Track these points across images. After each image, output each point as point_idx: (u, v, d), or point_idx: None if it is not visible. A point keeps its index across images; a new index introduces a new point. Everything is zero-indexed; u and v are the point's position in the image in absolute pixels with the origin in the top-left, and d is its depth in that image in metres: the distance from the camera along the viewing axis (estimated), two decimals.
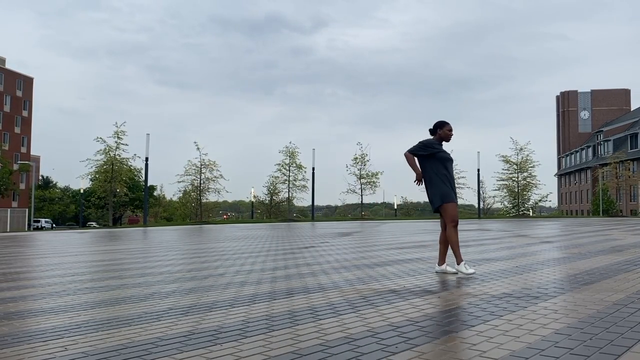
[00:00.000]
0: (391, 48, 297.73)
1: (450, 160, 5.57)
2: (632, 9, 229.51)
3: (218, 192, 36.79)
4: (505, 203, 40.69)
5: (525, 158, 39.10)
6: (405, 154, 5.54)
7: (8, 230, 42.17)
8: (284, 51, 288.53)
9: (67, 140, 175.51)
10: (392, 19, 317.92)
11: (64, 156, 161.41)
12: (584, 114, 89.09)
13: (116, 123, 35.43)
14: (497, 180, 40.15)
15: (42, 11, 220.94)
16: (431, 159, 5.46)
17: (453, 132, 5.57)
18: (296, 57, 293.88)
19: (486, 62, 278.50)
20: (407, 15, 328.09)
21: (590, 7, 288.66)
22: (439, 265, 5.50)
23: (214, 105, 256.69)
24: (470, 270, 5.18)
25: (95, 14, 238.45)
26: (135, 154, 36.30)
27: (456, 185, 5.74)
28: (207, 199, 37.61)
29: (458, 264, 5.25)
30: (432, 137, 5.61)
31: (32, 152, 77.51)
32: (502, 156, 39.79)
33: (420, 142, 5.54)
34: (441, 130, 5.55)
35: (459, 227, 5.85)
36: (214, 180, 36.22)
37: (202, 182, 36.14)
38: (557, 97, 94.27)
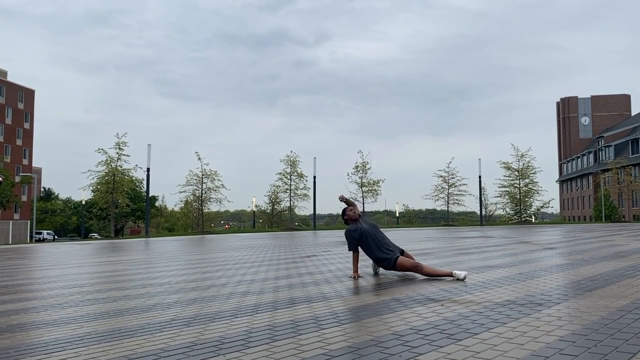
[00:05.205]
0: (391, 59, 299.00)
1: (368, 231, 6.10)
2: (627, 20, 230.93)
3: (220, 201, 36.69)
4: (507, 210, 40.59)
5: (526, 164, 39.09)
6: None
7: (10, 242, 42.13)
8: (287, 64, 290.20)
9: (72, 153, 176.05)
10: (392, 31, 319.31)
11: (68, 168, 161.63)
12: (585, 120, 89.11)
13: (117, 134, 35.44)
14: (499, 186, 40.13)
15: (53, 28, 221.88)
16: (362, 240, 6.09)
17: (352, 212, 6.19)
18: (299, 69, 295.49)
19: (485, 72, 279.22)
20: (407, 28, 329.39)
21: (586, 18, 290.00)
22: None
23: (218, 117, 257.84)
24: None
25: (105, 31, 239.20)
26: (136, 165, 36.31)
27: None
28: (208, 208, 37.50)
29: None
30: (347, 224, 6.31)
31: (35, 164, 77.70)
32: (503, 163, 39.78)
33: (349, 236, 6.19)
34: (346, 216, 6.28)
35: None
36: (215, 190, 36.18)
37: (203, 192, 36.14)
38: (557, 103, 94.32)
